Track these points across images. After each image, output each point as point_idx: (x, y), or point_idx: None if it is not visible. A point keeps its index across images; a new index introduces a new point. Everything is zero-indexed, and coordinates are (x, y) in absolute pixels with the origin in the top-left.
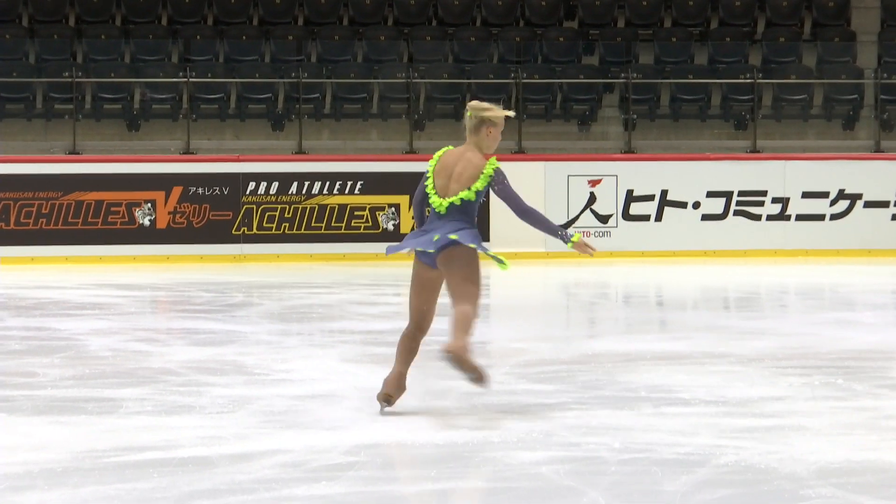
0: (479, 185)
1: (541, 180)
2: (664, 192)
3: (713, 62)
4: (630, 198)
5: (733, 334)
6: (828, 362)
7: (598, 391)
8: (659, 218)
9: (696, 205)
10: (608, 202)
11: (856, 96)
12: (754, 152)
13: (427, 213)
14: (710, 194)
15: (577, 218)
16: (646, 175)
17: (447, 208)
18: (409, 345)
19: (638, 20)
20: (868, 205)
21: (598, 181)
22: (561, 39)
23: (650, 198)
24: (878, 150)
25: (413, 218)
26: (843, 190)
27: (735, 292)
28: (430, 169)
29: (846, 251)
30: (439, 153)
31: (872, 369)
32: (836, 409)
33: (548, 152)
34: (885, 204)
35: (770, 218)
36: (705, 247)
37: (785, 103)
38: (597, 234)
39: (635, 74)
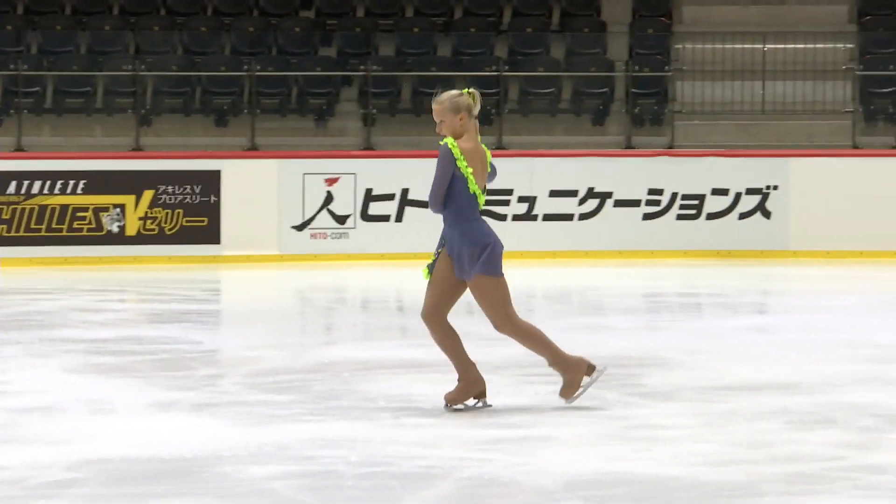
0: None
1: (274, 179)
2: (405, 191)
3: (457, 54)
4: (369, 197)
5: (477, 341)
6: None
7: (335, 401)
8: (399, 218)
9: None
10: (346, 202)
11: (606, 90)
12: (500, 149)
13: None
14: None
15: (313, 218)
16: (386, 173)
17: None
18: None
19: (378, 10)
20: (618, 204)
21: (336, 180)
22: (297, 30)
23: (390, 197)
24: (628, 147)
25: (436, 210)
26: (593, 188)
27: None
28: (463, 165)
29: (596, 252)
30: (453, 144)
31: (623, 377)
32: (585, 418)
33: (282, 149)
34: (636, 203)
35: (516, 218)
36: None
37: (532, 97)
38: (334, 235)
39: (375, 67)
